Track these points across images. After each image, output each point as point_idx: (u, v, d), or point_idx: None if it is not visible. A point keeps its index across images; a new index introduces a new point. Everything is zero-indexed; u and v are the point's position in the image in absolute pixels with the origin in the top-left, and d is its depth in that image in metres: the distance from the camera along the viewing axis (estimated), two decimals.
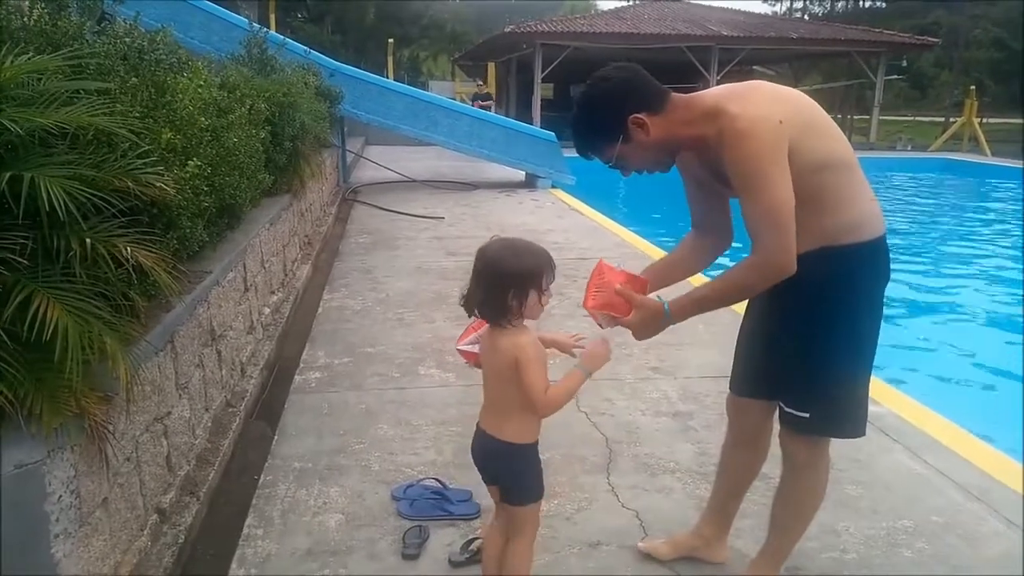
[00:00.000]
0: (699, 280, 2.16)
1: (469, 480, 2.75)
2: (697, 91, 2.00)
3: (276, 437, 3.23)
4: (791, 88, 1.97)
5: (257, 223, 4.45)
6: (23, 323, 1.68)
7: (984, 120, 24.87)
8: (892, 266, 1.98)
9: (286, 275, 5.44)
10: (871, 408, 2.10)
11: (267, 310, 4.55)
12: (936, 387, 4.92)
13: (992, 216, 13.08)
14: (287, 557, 2.39)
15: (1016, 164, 18.25)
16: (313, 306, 5.25)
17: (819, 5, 51.57)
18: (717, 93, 1.90)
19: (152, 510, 2.36)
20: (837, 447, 2.11)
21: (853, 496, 2.78)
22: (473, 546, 2.39)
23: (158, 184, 2.28)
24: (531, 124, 15.54)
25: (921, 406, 3.60)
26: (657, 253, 6.74)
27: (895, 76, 27.20)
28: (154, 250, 2.18)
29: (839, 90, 26.29)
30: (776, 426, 2.14)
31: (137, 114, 2.52)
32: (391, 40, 27.78)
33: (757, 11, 34.41)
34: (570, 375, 1.83)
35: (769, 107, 1.78)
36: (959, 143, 23.26)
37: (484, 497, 2.47)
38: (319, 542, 2.47)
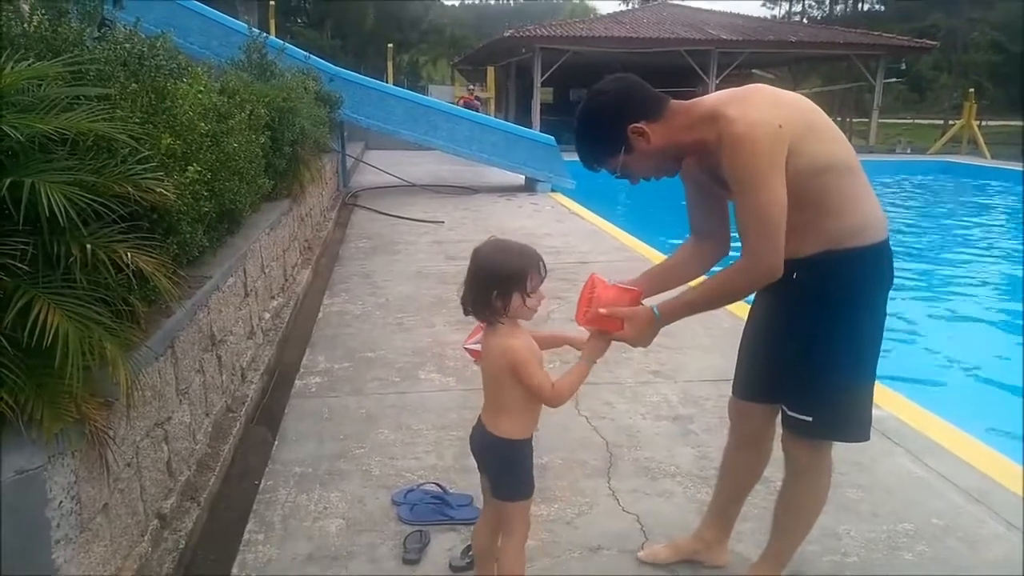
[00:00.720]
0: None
1: (469, 484, 2.75)
2: (697, 95, 2.01)
3: (276, 442, 3.23)
4: (791, 92, 1.97)
5: (257, 228, 4.45)
6: (23, 329, 1.68)
7: (983, 123, 24.90)
8: (895, 267, 1.98)
9: (286, 280, 5.44)
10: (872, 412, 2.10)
11: (267, 315, 4.55)
12: (937, 390, 4.92)
13: (992, 218, 13.09)
14: (288, 562, 2.39)
15: (1015, 166, 18.27)
16: (313, 311, 5.25)
17: (818, 8, 51.73)
18: (717, 97, 1.91)
19: (153, 515, 2.36)
20: (838, 450, 2.11)
21: (854, 499, 2.78)
22: (473, 551, 2.38)
23: (158, 189, 2.28)
24: (531, 128, 15.57)
25: (922, 409, 3.60)
26: (657, 257, 6.74)
27: (894, 79, 27.29)
28: (154, 255, 2.18)
29: (838, 93, 26.35)
30: (778, 429, 2.14)
31: (137, 119, 2.52)
32: (391, 45, 27.83)
33: (756, 15, 34.50)
34: (576, 368, 1.89)
35: (768, 111, 1.78)
36: (958, 146, 23.28)
37: None
38: (320, 547, 2.47)
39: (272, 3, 22.07)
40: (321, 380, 3.93)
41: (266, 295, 4.62)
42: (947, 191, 17.10)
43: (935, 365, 5.60)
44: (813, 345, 1.93)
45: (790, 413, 2.02)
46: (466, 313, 1.88)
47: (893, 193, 15.44)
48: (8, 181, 1.75)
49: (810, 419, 1.97)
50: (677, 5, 26.12)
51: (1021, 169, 17.17)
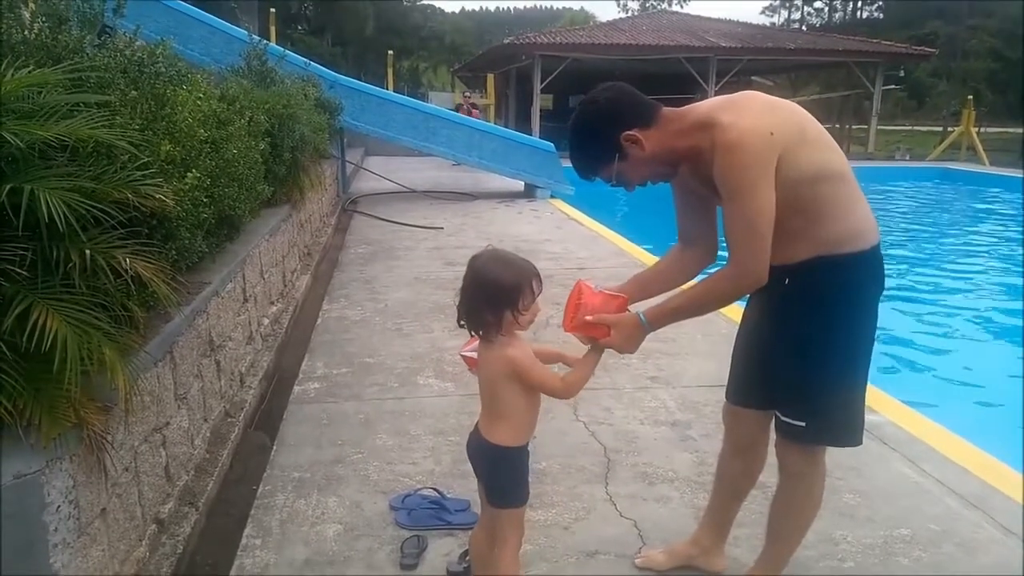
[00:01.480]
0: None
1: (467, 490, 2.76)
2: (696, 101, 2.03)
3: (275, 447, 3.24)
4: (785, 100, 1.99)
5: (256, 234, 4.46)
6: (22, 334, 1.69)
7: (981, 129, 24.99)
8: (891, 275, 1.99)
9: (285, 286, 5.45)
10: (868, 417, 2.11)
11: (266, 321, 4.56)
12: (934, 396, 4.92)
13: (991, 225, 13.10)
14: (285, 567, 2.39)
15: (1014, 173, 18.30)
16: (312, 317, 5.26)
17: (817, 16, 51.90)
18: (710, 104, 1.93)
19: (151, 520, 2.36)
20: (834, 456, 2.12)
21: (851, 505, 2.78)
22: (471, 556, 2.39)
23: (157, 196, 2.30)
24: (530, 135, 15.60)
25: (919, 415, 3.60)
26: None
27: (893, 86, 27.28)
28: (153, 261, 2.19)
29: (837, 100, 26.39)
30: (773, 435, 2.15)
31: (137, 126, 2.53)
32: (391, 52, 27.91)
33: (755, 22, 34.62)
34: (585, 359, 1.93)
35: (761, 119, 1.80)
36: (957, 152, 23.33)
37: None
38: (317, 552, 2.47)
39: (273, 10, 22.18)
40: (320, 385, 3.94)
41: (265, 301, 4.63)
42: (946, 197, 17.11)
43: (932, 370, 5.60)
44: (805, 351, 1.94)
45: (783, 418, 2.02)
46: (459, 324, 1.89)
47: (891, 200, 15.45)
48: (8, 187, 1.77)
49: (803, 424, 1.98)
50: (676, 12, 26.26)
51: (1020, 175, 17.20)
